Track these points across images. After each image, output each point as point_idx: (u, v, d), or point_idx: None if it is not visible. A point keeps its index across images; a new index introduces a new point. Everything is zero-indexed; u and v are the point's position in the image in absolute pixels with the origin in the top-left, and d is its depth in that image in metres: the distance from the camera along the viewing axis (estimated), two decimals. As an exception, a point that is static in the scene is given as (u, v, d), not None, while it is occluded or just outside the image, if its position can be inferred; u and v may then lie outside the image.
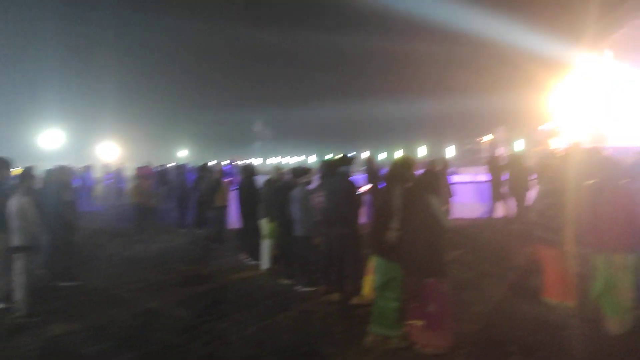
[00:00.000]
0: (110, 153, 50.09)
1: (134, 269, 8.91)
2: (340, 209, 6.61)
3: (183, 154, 65.11)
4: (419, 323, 4.83)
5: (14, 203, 6.23)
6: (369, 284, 5.92)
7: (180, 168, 13.96)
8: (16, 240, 6.23)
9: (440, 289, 4.82)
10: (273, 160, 48.71)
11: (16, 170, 10.77)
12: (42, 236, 6.43)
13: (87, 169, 19.31)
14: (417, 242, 4.85)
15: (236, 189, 10.05)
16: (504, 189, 11.82)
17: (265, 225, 8.45)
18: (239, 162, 18.71)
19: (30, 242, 6.26)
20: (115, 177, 20.48)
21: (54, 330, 5.80)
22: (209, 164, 14.47)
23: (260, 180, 9.65)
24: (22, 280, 6.19)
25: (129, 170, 21.76)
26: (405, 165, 5.49)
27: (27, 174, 6.62)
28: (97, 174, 24.33)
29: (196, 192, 12.14)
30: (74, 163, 18.43)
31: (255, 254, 9.08)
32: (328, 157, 8.23)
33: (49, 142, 46.08)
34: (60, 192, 7.81)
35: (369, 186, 9.77)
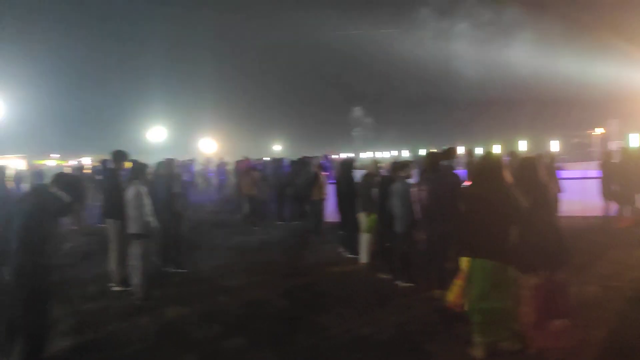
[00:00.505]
0: (209, 147, 52.55)
1: (237, 259, 9.24)
2: (444, 205, 6.43)
3: (277, 148, 66.83)
4: (538, 323, 4.57)
5: (131, 192, 6.67)
6: (459, 290, 4.99)
7: (278, 162, 14.30)
8: (132, 227, 6.67)
9: (563, 285, 4.56)
10: (367, 155, 48.57)
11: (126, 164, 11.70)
12: (155, 225, 6.80)
13: (191, 162, 20.36)
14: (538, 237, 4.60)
15: (334, 182, 10.12)
16: (616, 187, 10.94)
17: (363, 219, 8.43)
18: (334, 157, 18.84)
19: (145, 230, 6.67)
20: (217, 170, 21.43)
21: (169, 313, 6.16)
22: (306, 157, 14.70)
23: (357, 174, 9.66)
24: (139, 266, 6.63)
25: (229, 164, 22.69)
26: (496, 161, 5.18)
27: (142, 165, 7.06)
28: (199, 167, 25.61)
29: (294, 185, 12.38)
30: (177, 157, 19.54)
31: (353, 248, 9.09)
32: (431, 150, 8.04)
33: (155, 137, 49.10)
34: (170, 184, 8.25)
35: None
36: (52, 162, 44.86)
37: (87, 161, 42.35)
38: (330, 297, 6.77)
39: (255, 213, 12.67)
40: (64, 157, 48.84)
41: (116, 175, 7.29)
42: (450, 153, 6.68)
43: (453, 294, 4.97)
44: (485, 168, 5.15)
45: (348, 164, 9.53)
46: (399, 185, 7.22)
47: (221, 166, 21.30)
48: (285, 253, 9.76)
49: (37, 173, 20.35)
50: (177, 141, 53.63)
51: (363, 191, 8.43)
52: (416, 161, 9.61)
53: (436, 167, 6.77)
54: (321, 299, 6.70)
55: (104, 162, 13.69)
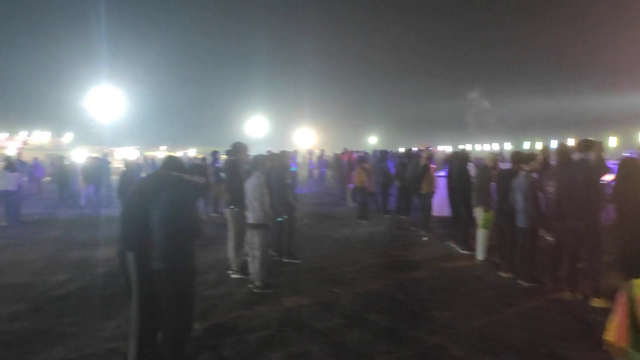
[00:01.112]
0: (307, 139, 53.42)
1: (347, 251, 9.23)
2: (576, 200, 5.96)
3: (373, 140, 66.57)
4: None
5: (251, 183, 6.83)
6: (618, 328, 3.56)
7: (382, 154, 14.12)
8: (252, 217, 6.83)
9: None
10: (468, 147, 46.92)
11: (223, 156, 12.11)
12: (272, 215, 6.92)
13: (294, 154, 20.72)
14: None
15: (445, 176, 9.80)
16: None
17: (480, 214, 8.08)
18: (434, 150, 18.29)
19: (265, 220, 6.80)
20: (318, 161, 21.65)
21: (287, 302, 6.24)
22: (414, 149, 14.42)
23: (471, 167, 9.29)
24: (259, 255, 6.77)
25: (328, 156, 22.85)
26: None
27: (262, 157, 7.21)
28: (300, 158, 26.04)
29: (402, 178, 12.16)
30: (276, 148, 19.99)
31: (466, 243, 8.76)
32: (562, 142, 7.50)
33: (254, 129, 50.67)
34: (282, 175, 8.38)
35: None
36: (162, 154, 47.80)
37: (192, 153, 44.61)
38: (448, 292, 6.54)
39: (365, 206, 12.61)
40: (171, 149, 51.92)
41: (236, 165, 7.50)
42: (586, 145, 6.16)
43: (612, 333, 3.53)
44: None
45: (462, 157, 9.17)
46: (521, 179, 6.84)
47: (322, 158, 21.48)
48: (395, 246, 9.60)
49: (151, 164, 21.64)
50: (274, 133, 55.05)
51: (480, 185, 8.07)
52: (541, 152, 9.06)
53: (567, 160, 6.31)
54: (439, 294, 6.48)
55: (214, 153, 14.29)
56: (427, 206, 10.57)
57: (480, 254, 8.09)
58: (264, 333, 5.25)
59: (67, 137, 47.66)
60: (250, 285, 6.83)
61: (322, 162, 21.14)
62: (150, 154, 45.30)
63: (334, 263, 8.28)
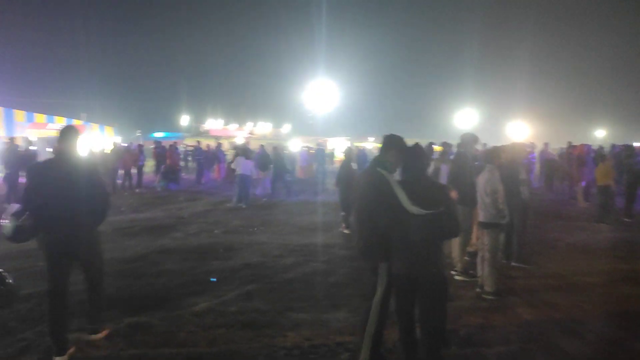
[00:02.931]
0: (520, 132, 49.66)
1: (586, 258, 8.02)
2: None
3: (600, 133, 59.29)
4: None
5: (484, 177, 6.20)
6: None
7: (629, 149, 12.07)
8: (483, 215, 6.21)
9: None
10: None
11: (437, 148, 11.36)
12: (507, 214, 6.18)
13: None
14: None
15: None
16: None
17: None
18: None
19: (497, 219, 6.11)
20: (540, 156, 19.77)
21: (524, 314, 5.51)
22: None
23: None
24: (488, 257, 6.14)
25: (554, 149, 20.72)
26: None
27: (496, 149, 6.51)
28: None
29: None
30: (486, 141, 18.55)
31: None
32: None
33: (463, 121, 48.93)
34: (516, 170, 7.53)
35: None
36: (370, 145, 49.08)
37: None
38: None
39: (606, 207, 10.93)
40: (379, 140, 52.93)
41: (465, 158, 6.94)
42: None
43: None
44: None
45: None
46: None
47: (545, 151, 19.49)
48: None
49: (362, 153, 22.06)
50: (484, 125, 52.55)
51: None
52: None
53: None
54: None
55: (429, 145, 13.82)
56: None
57: None
58: (504, 349, 4.63)
59: (286, 128, 51.93)
60: (478, 290, 6.24)
61: (545, 155, 19.15)
62: (359, 144, 46.96)
63: (570, 271, 7.20)
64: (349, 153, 11.54)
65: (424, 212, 3.54)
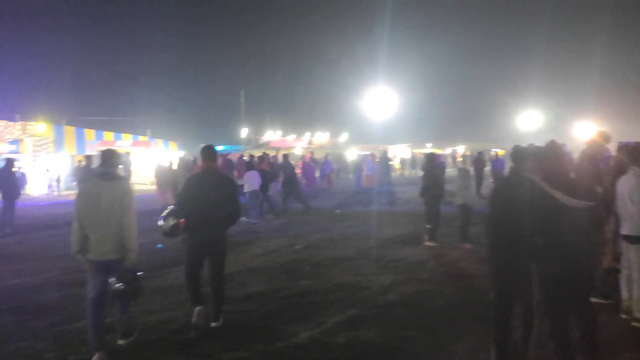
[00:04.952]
0: (587, 132, 47.01)
1: None
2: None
3: (677, 132, 55.53)
4: None
5: (627, 183, 5.27)
6: None
7: None
8: (627, 227, 5.26)
9: None
10: None
11: (500, 152, 10.44)
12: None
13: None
14: None
15: None
16: None
17: None
18: None
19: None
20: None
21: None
22: None
23: None
24: (637, 277, 5.18)
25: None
26: None
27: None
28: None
29: None
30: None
31: None
32: None
33: (527, 123, 46.83)
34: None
35: None
36: (427, 151, 47.83)
37: (460, 150, 43.42)
38: None
39: None
40: (437, 146, 51.51)
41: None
42: None
43: None
44: None
45: None
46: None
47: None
48: None
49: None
50: (550, 126, 50.09)
51: None
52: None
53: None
54: None
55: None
56: None
57: None
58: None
59: (343, 137, 51.38)
60: (624, 316, 5.28)
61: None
62: (417, 151, 45.80)
63: None
64: (432, 160, 10.68)
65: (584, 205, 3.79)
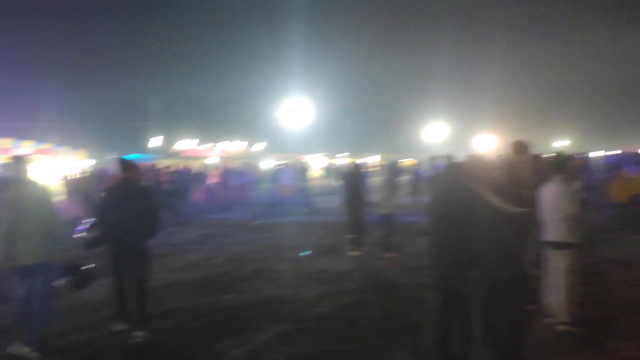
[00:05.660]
0: (487, 144, 50.04)
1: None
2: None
3: (561, 143, 60.41)
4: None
5: (551, 191, 5.44)
6: None
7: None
8: (553, 234, 5.42)
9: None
10: None
11: (408, 162, 10.80)
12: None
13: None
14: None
15: None
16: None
17: None
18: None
19: (572, 237, 5.32)
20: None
21: (623, 351, 4.74)
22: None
23: None
24: (564, 283, 5.33)
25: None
26: None
27: (566, 157, 5.78)
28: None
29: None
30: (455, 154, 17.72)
31: None
32: None
33: (433, 135, 48.97)
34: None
35: None
36: (343, 161, 48.46)
37: (374, 159, 44.40)
38: None
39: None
40: (353, 156, 52.39)
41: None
42: None
43: None
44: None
45: None
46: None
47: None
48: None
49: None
50: (453, 138, 52.67)
51: None
52: None
53: None
54: None
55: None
56: None
57: None
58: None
59: (260, 146, 50.87)
60: (549, 320, 5.43)
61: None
62: (332, 161, 46.26)
63: (627, 294, 6.46)
64: (355, 170, 10.63)
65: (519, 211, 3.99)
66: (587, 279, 6.28)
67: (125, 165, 5.71)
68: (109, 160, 15.03)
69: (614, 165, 11.59)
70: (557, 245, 5.35)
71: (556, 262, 5.36)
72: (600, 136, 61.42)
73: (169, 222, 12.58)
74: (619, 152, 14.93)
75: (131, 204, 5.39)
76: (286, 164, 27.60)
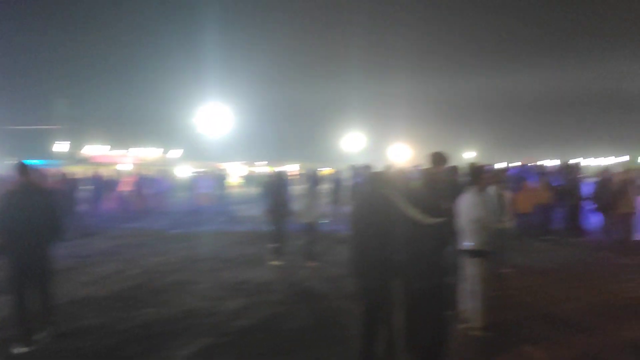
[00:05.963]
0: (402, 154, 51.88)
1: (548, 283, 7.83)
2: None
3: (470, 155, 63.85)
4: None
5: (467, 202, 5.67)
6: None
7: (570, 169, 12.34)
8: (470, 243, 5.64)
9: None
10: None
11: (326, 170, 11.07)
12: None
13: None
14: None
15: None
16: None
17: None
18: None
19: (486, 246, 5.58)
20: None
21: (533, 353, 5.00)
22: (572, 162, 12.77)
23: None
24: (478, 289, 5.56)
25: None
26: None
27: (479, 168, 6.04)
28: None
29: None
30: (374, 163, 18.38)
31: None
32: None
33: (351, 144, 50.00)
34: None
35: None
36: (262, 169, 48.20)
37: (293, 168, 44.52)
38: None
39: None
40: (272, 164, 52.20)
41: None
42: None
43: None
44: None
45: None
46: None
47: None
48: (616, 280, 8.03)
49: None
50: (370, 149, 54.04)
51: None
52: None
53: None
54: None
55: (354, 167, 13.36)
56: (627, 228, 8.93)
57: None
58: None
59: (177, 153, 49.40)
60: (463, 326, 5.63)
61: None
62: (252, 169, 45.93)
63: (534, 299, 6.89)
64: (278, 179, 10.52)
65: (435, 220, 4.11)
66: (496, 285, 6.67)
67: (22, 168, 5.49)
68: (8, 166, 13.84)
69: (518, 176, 12.30)
70: (472, 254, 5.57)
71: (472, 270, 5.58)
72: (504, 148, 65.55)
73: (75, 232, 11.85)
74: (519, 164, 15.99)
75: (30, 208, 5.25)
76: (204, 172, 27.05)
